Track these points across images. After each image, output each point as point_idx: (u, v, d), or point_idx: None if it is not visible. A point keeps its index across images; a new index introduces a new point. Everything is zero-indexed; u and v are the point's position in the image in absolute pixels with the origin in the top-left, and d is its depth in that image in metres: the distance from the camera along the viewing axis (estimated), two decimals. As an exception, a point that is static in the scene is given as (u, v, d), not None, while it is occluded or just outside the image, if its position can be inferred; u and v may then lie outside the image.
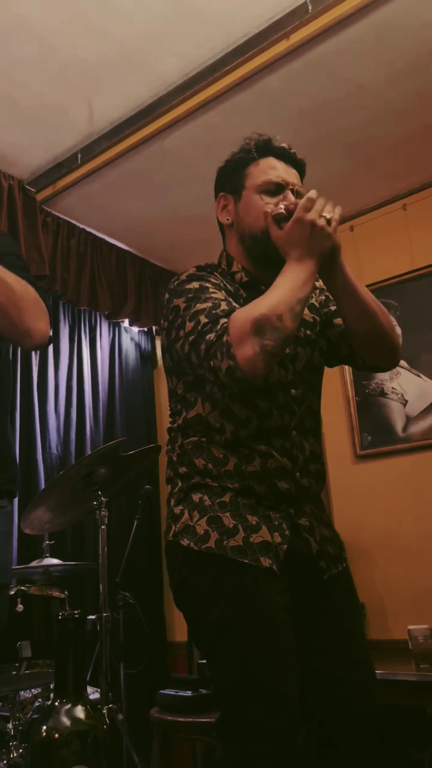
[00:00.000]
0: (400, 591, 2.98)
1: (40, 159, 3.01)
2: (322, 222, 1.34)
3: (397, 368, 3.15)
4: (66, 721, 0.69)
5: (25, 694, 2.27)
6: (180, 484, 1.43)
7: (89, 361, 3.68)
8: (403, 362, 3.20)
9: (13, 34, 2.36)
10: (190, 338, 1.34)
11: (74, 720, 0.69)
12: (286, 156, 1.52)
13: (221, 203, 1.55)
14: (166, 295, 1.47)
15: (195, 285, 1.42)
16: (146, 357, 4.11)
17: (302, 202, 1.35)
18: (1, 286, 1.25)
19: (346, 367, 2.73)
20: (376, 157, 3.12)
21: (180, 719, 1.81)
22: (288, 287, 1.30)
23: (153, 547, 3.76)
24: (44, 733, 0.69)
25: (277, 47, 2.46)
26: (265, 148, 1.51)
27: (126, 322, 3.86)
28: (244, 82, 2.61)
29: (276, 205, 1.41)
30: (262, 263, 1.49)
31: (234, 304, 1.41)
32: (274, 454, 1.38)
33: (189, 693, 1.88)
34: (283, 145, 1.53)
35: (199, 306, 1.36)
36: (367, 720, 1.35)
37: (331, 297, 1.58)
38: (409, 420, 3.18)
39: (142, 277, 3.75)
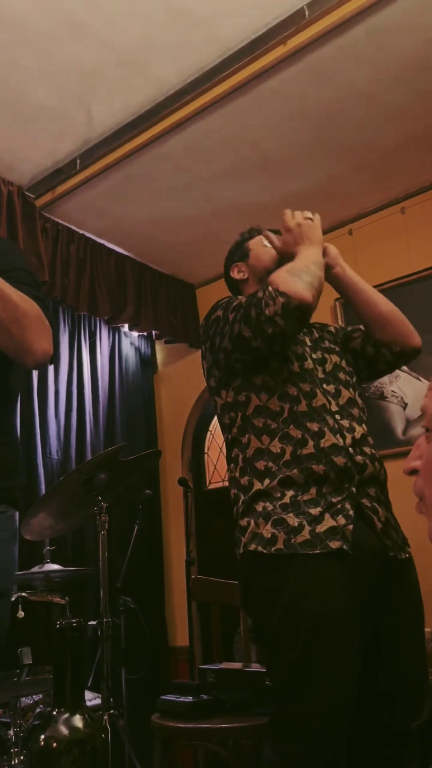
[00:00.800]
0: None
1: (39, 165, 3.02)
2: (305, 221, 1.66)
3: (397, 371, 3.15)
4: (64, 730, 0.69)
5: (26, 701, 2.27)
6: (243, 497, 1.50)
7: (89, 366, 3.69)
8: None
9: (12, 42, 2.36)
10: (238, 317, 1.52)
11: (73, 729, 0.69)
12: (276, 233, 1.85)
13: (235, 270, 1.84)
14: (204, 323, 1.68)
15: (226, 299, 1.68)
16: (146, 361, 4.11)
17: (283, 218, 1.68)
18: (5, 303, 1.24)
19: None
20: (374, 161, 3.12)
21: (181, 725, 1.81)
22: (302, 256, 1.59)
23: (154, 552, 3.76)
24: (43, 742, 0.69)
25: (275, 52, 2.47)
26: (257, 230, 1.87)
27: (126, 327, 3.86)
28: (242, 87, 2.61)
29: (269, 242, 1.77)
30: None
31: None
32: (325, 432, 1.48)
33: (190, 699, 1.87)
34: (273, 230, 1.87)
35: (236, 302, 1.59)
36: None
37: (342, 327, 1.90)
38: (409, 423, 3.17)
39: (141, 282, 3.76)
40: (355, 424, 1.54)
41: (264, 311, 1.47)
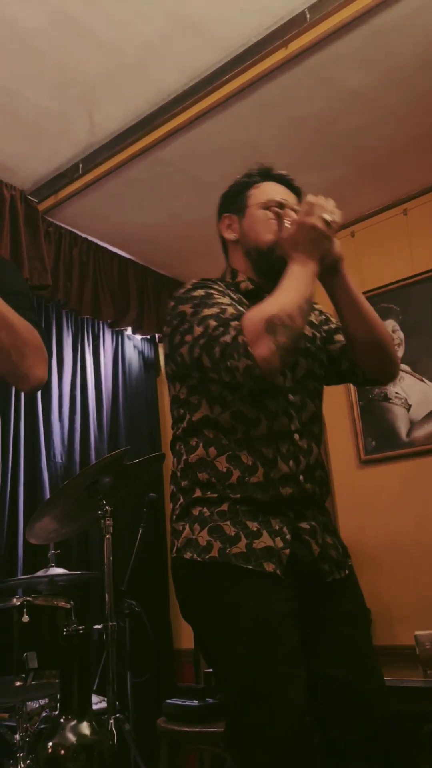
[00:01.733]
0: (406, 596, 2.98)
1: (41, 169, 3.03)
2: (322, 225, 1.42)
3: (400, 373, 3.15)
4: (71, 737, 0.70)
5: (32, 704, 2.27)
6: (181, 499, 1.45)
7: (93, 369, 3.69)
8: (406, 367, 3.20)
9: (13, 47, 2.37)
10: (201, 341, 1.37)
11: (80, 736, 0.70)
12: (285, 182, 1.65)
13: (226, 222, 1.64)
14: (171, 303, 1.51)
15: (201, 292, 1.47)
16: (149, 364, 4.12)
17: (303, 206, 1.44)
18: (9, 331, 1.25)
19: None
20: (376, 163, 3.13)
21: (186, 729, 1.81)
22: (293, 288, 1.37)
23: (158, 555, 3.76)
24: (50, 750, 0.69)
25: (276, 56, 2.48)
26: (266, 173, 1.64)
27: (129, 330, 3.87)
28: (243, 91, 2.62)
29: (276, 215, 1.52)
30: (266, 275, 1.55)
31: (239, 308, 1.45)
32: (278, 461, 1.40)
33: (195, 702, 1.88)
34: (282, 172, 1.65)
35: (207, 311, 1.40)
36: (380, 728, 1.36)
37: (329, 316, 1.68)
38: (412, 424, 3.17)
39: (144, 285, 3.76)
40: (313, 445, 1.47)
41: (226, 360, 1.32)
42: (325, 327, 1.65)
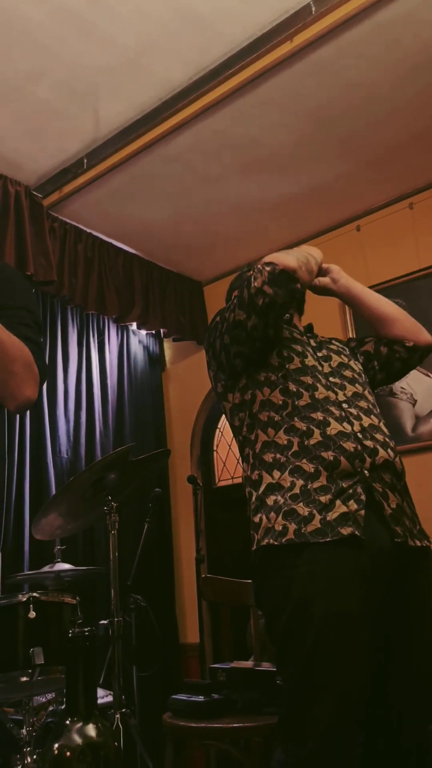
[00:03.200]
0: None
1: (46, 165, 3.02)
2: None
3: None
4: (77, 738, 0.70)
5: (39, 699, 2.28)
6: (255, 493, 1.50)
7: (98, 364, 3.69)
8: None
9: (19, 43, 2.37)
10: (231, 306, 1.56)
11: (85, 737, 0.70)
12: None
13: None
14: (207, 335, 1.70)
15: (225, 307, 1.67)
16: (154, 359, 4.12)
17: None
18: None
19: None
20: (382, 157, 3.11)
21: (193, 725, 1.82)
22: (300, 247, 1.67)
23: (164, 550, 3.77)
24: (56, 751, 0.70)
25: (281, 49, 2.46)
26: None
27: (134, 326, 3.87)
28: (248, 85, 2.60)
29: None
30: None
31: None
32: (330, 421, 1.48)
33: (201, 698, 1.88)
34: None
35: (231, 302, 1.60)
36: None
37: (351, 338, 1.99)
38: (418, 420, 3.17)
39: (149, 281, 3.76)
40: (362, 414, 1.53)
41: (252, 286, 1.50)
42: (354, 341, 1.86)
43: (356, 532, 1.34)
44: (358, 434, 1.47)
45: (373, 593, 1.35)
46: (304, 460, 1.44)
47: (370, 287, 1.88)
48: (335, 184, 3.27)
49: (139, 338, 4.04)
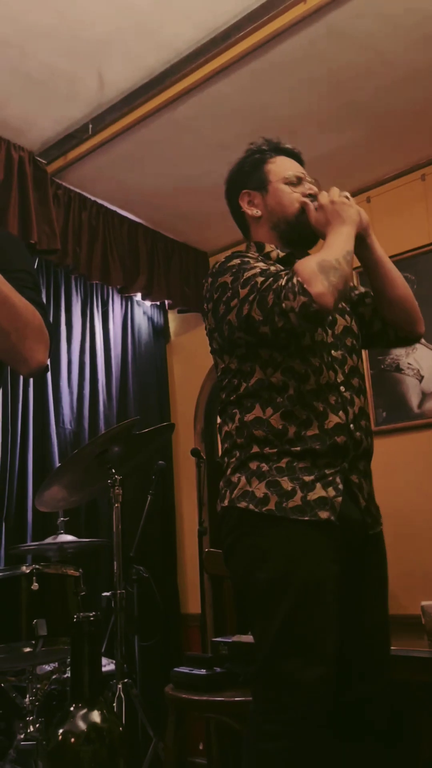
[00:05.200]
0: (414, 567, 2.98)
1: (50, 130, 2.95)
2: (343, 199, 1.57)
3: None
4: (82, 725, 0.69)
5: (43, 668, 2.30)
6: (238, 454, 1.52)
7: (102, 335, 3.66)
8: (419, 337, 3.15)
9: (21, 3, 2.28)
10: (250, 298, 1.45)
11: (90, 724, 0.69)
12: (294, 155, 1.78)
13: (246, 199, 1.71)
14: (208, 280, 1.58)
15: (236, 261, 1.56)
16: (159, 331, 4.08)
17: (321, 194, 1.59)
18: (9, 311, 1.19)
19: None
20: (394, 126, 3.02)
21: (194, 697, 1.84)
22: (335, 243, 1.49)
23: (166, 522, 3.79)
24: (61, 737, 0.69)
25: (294, 11, 2.37)
26: (276, 148, 1.76)
27: (138, 296, 3.82)
28: (259, 49, 2.52)
29: (302, 193, 1.65)
30: (295, 244, 1.65)
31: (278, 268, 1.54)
32: (329, 413, 1.48)
33: (203, 671, 1.90)
34: (289, 146, 1.78)
35: (248, 274, 1.49)
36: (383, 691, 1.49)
37: (354, 285, 1.82)
38: (424, 396, 3.14)
39: (154, 250, 3.70)
40: (355, 397, 1.55)
41: (281, 302, 1.40)
42: (355, 292, 1.76)
43: (332, 518, 1.41)
44: (351, 425, 1.51)
45: (341, 567, 1.44)
46: (298, 447, 1.46)
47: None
48: (346, 154, 3.19)
49: (143, 309, 3.99)
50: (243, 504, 1.45)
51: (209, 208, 3.54)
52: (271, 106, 2.84)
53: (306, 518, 1.40)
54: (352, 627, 1.47)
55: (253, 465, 1.48)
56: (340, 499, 1.44)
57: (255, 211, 1.68)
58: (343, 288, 1.43)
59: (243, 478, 1.48)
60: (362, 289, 1.79)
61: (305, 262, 1.44)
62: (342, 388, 1.53)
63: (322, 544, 1.42)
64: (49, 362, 1.31)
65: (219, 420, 1.63)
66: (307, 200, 1.61)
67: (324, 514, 1.41)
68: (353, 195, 3.46)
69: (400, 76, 2.72)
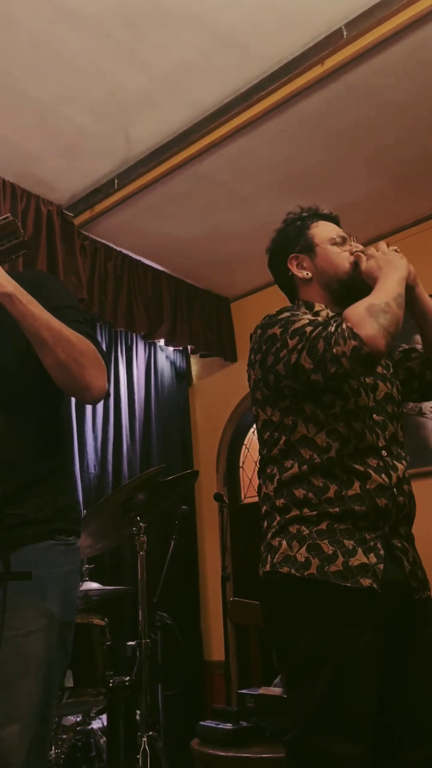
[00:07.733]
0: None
1: (78, 184, 3.06)
2: (392, 250, 1.58)
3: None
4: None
5: (69, 718, 2.28)
6: (278, 518, 1.50)
7: (126, 380, 3.72)
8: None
9: (55, 67, 2.41)
10: (299, 346, 1.45)
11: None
12: (332, 219, 1.80)
13: (295, 262, 1.71)
14: (258, 331, 1.59)
15: (286, 314, 1.57)
16: (181, 375, 4.13)
17: (370, 247, 1.61)
18: (64, 345, 1.27)
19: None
20: (414, 174, 3.09)
21: (221, 753, 1.81)
22: (384, 286, 1.49)
23: (190, 567, 3.77)
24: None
25: (312, 72, 2.47)
26: (316, 214, 1.78)
27: (161, 342, 3.89)
28: (280, 107, 2.62)
29: (350, 251, 1.66)
30: (348, 301, 1.63)
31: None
32: (371, 474, 1.46)
33: (230, 726, 1.87)
34: (326, 210, 1.81)
35: (297, 325, 1.49)
36: None
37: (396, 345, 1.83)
38: (448, 440, 3.12)
39: (177, 297, 3.77)
40: (396, 463, 1.52)
41: (332, 348, 1.40)
42: (398, 352, 1.76)
43: (374, 585, 1.37)
44: (394, 489, 1.47)
45: (384, 637, 1.40)
46: (337, 508, 1.44)
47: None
48: (367, 202, 3.25)
49: (166, 354, 4.05)
50: (285, 569, 1.42)
51: (231, 256, 3.62)
52: (294, 158, 2.93)
53: (348, 584, 1.37)
54: (398, 696, 1.42)
55: (293, 528, 1.46)
56: (381, 566, 1.40)
57: (305, 273, 1.69)
58: (394, 330, 1.42)
59: (284, 542, 1.45)
60: (405, 346, 1.78)
61: (354, 307, 1.44)
62: (384, 453, 1.50)
63: (364, 612, 1.38)
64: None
65: (258, 480, 1.61)
66: (360, 253, 1.62)
67: (366, 582, 1.37)
68: (374, 242, 3.53)
69: (419, 126, 2.81)
